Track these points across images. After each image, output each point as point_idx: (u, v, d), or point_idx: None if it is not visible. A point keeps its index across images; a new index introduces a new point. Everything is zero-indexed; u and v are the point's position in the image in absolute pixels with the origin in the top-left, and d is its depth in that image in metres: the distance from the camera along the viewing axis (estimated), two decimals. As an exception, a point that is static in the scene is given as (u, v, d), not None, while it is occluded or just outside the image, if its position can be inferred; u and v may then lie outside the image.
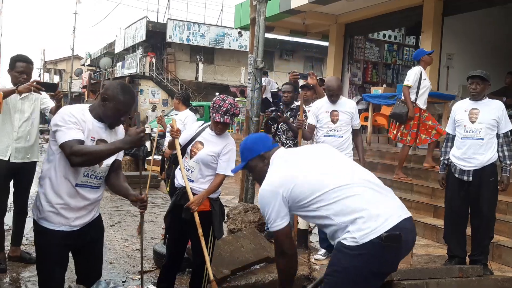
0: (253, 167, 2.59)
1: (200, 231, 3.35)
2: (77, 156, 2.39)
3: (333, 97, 4.74)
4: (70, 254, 2.78)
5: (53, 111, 4.15)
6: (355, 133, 4.87)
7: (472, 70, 4.26)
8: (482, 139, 4.06)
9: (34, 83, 3.83)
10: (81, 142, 2.45)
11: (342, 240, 2.22)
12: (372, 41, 12.77)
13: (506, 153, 4.08)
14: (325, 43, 13.72)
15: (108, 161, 2.64)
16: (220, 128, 3.51)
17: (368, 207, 2.21)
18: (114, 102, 2.54)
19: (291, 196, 2.31)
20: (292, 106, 5.26)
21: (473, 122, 4.11)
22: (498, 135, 4.13)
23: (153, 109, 21.79)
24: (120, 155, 2.75)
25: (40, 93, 4.05)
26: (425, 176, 6.63)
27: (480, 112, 4.10)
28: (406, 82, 6.24)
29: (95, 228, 2.77)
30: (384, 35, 12.88)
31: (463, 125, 4.17)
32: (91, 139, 2.55)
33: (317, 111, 4.85)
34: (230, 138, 3.62)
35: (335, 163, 2.45)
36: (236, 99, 11.69)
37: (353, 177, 2.34)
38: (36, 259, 2.78)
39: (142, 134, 2.44)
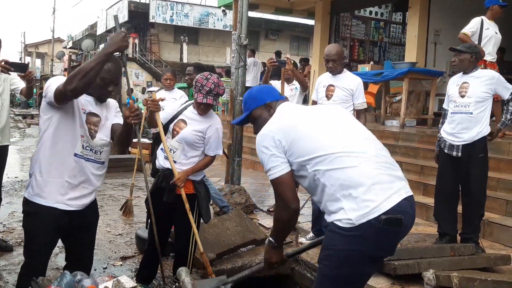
0: (256, 117, 2.35)
1: (187, 205, 3.20)
2: (67, 83, 2.29)
3: (330, 65, 4.26)
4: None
5: (24, 93, 3.93)
6: (357, 114, 4.36)
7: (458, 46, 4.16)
8: (471, 113, 3.96)
9: (2, 63, 3.60)
10: None
11: (336, 222, 2.00)
12: (358, 18, 12.56)
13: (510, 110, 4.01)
14: (311, 22, 13.48)
15: (102, 136, 2.58)
16: (202, 109, 3.31)
17: (369, 183, 1.97)
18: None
19: (290, 148, 2.09)
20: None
21: (462, 96, 4.03)
22: (503, 102, 4.06)
23: (143, 92, 20.93)
24: (115, 119, 2.68)
25: (9, 74, 3.82)
26: (413, 154, 6.53)
27: (470, 85, 4.00)
28: (462, 30, 5.95)
29: (90, 213, 2.69)
30: (370, 12, 12.68)
31: (454, 100, 4.08)
32: (82, 111, 2.50)
33: (318, 85, 4.54)
34: (215, 116, 3.43)
35: (349, 126, 2.20)
36: (221, 79, 11.50)
37: (368, 147, 2.10)
38: (24, 243, 2.68)
39: (124, 34, 2.38)
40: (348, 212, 1.96)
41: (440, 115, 4.67)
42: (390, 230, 1.97)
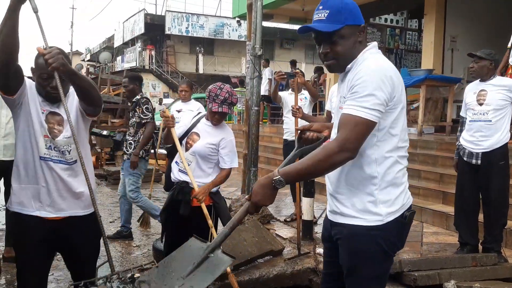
0: (345, 35, 1.86)
1: (210, 222, 3.19)
2: None
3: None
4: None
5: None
6: None
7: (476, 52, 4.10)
8: (490, 121, 3.90)
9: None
10: None
11: (361, 223, 1.88)
12: (374, 26, 12.52)
13: None
14: (326, 30, 13.48)
15: (66, 133, 2.41)
16: (217, 119, 3.31)
17: (405, 181, 1.94)
18: (35, 69, 2.38)
19: (392, 109, 1.83)
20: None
21: (480, 104, 3.97)
22: None
23: (160, 103, 20.51)
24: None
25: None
26: (432, 162, 6.44)
27: (487, 93, 3.94)
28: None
29: (84, 229, 2.49)
30: (386, 20, 12.63)
31: (472, 108, 4.03)
32: (41, 111, 2.38)
33: (331, 95, 4.54)
34: (227, 128, 3.43)
35: None
36: (236, 89, 11.52)
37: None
38: (16, 263, 2.54)
39: None
40: (379, 205, 1.90)
41: (458, 122, 4.60)
42: (409, 225, 1.97)
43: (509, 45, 5.88)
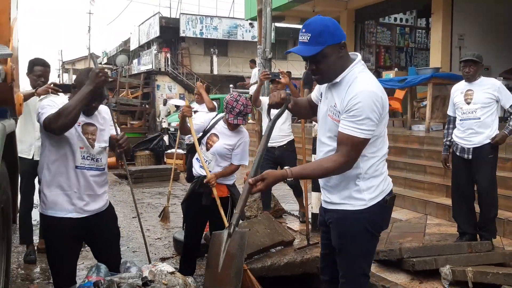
0: (327, 54, 2.12)
1: (221, 210, 3.57)
2: (53, 122, 2.47)
3: None
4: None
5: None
6: None
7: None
8: (479, 118, 4.17)
9: (52, 85, 4.05)
10: None
11: (347, 207, 2.23)
12: (383, 25, 12.75)
13: None
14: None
15: (101, 143, 2.75)
16: (233, 127, 3.69)
17: (385, 170, 2.28)
18: (80, 84, 2.64)
19: (379, 123, 2.15)
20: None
21: (468, 103, 4.23)
22: (505, 111, 4.27)
23: (164, 103, 20.69)
24: (112, 131, 2.88)
25: (58, 94, 4.26)
26: (437, 157, 6.66)
27: (474, 92, 4.22)
28: None
29: (105, 219, 2.86)
30: (395, 19, 12.84)
31: (460, 107, 4.30)
32: (77, 124, 2.62)
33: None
34: (244, 131, 3.78)
35: None
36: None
37: None
38: (47, 255, 2.85)
39: (100, 72, 2.55)
40: (363, 192, 2.24)
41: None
42: (390, 207, 2.33)
43: None
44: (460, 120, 4.33)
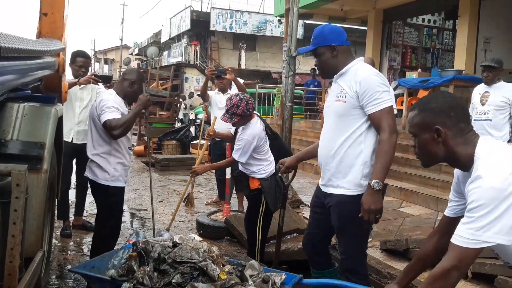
0: (319, 54, 2.67)
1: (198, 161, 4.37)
2: (115, 130, 3.31)
3: None
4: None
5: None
6: None
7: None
8: (490, 120, 4.37)
9: (93, 76, 4.45)
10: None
11: (348, 193, 2.54)
12: (411, 26, 12.81)
13: None
14: (366, 28, 13.87)
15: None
16: (233, 125, 3.97)
17: None
18: (139, 83, 3.60)
19: None
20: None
21: (483, 104, 4.44)
22: None
23: (190, 96, 20.94)
24: None
25: (98, 84, 4.66)
26: (454, 157, 6.85)
27: (490, 95, 4.41)
28: None
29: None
30: (423, 20, 12.88)
31: (475, 107, 4.50)
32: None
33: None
34: (249, 129, 3.86)
35: None
36: (277, 85, 11.99)
37: None
38: (108, 215, 3.55)
39: (148, 97, 3.56)
40: (366, 178, 2.55)
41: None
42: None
43: None
44: (474, 120, 4.53)
